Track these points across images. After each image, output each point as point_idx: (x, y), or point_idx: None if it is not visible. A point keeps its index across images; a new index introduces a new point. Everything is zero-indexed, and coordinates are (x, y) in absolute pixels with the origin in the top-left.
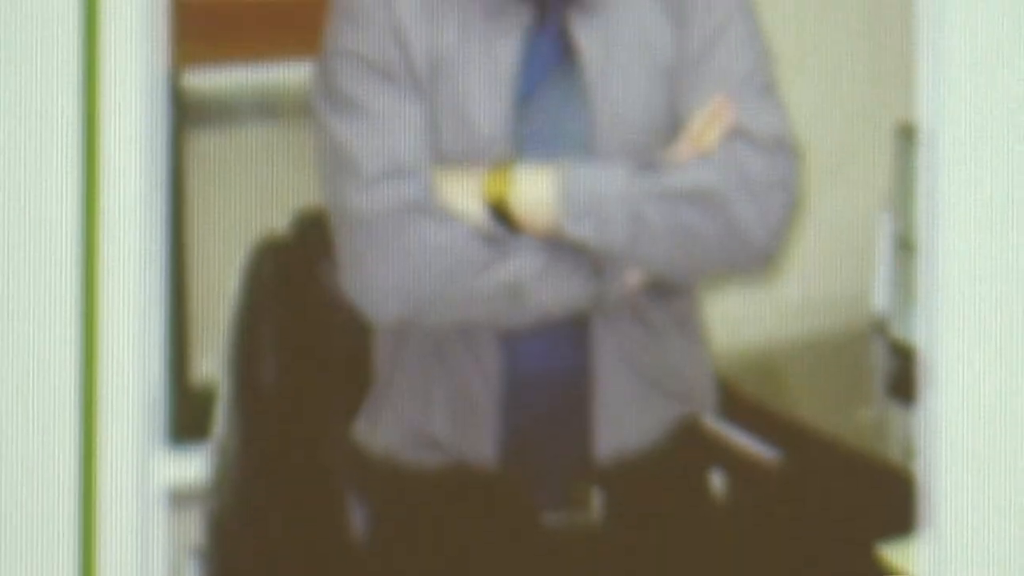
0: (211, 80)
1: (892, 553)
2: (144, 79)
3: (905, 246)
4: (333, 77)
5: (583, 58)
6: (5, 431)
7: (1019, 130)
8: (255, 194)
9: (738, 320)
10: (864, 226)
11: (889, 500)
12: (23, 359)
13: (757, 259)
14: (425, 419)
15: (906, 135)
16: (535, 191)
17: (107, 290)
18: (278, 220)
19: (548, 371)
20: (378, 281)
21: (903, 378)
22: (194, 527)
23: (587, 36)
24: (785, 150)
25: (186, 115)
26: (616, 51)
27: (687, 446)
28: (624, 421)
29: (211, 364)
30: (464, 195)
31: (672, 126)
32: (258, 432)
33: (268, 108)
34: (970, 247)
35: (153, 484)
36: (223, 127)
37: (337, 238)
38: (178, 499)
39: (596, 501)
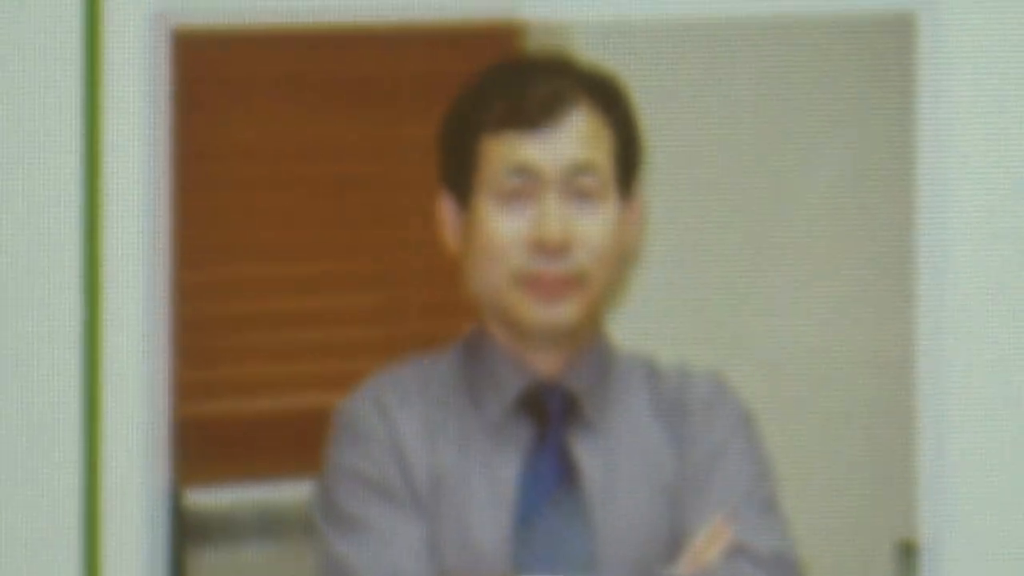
0: (213, 498)
1: None
2: (145, 497)
3: None
4: (333, 494)
5: (584, 478)
6: None
7: (1020, 548)
8: None
9: None
10: None
11: None
12: None
13: None
14: None
15: (907, 552)
16: None
17: None
18: None
19: None
20: None
21: None
22: None
23: (588, 455)
24: (786, 566)
25: (187, 533)
26: (618, 470)
27: None
28: None
29: None
30: None
31: (673, 540)
32: None
33: (269, 526)
34: None
35: None
36: (224, 545)
37: None
38: None
39: None
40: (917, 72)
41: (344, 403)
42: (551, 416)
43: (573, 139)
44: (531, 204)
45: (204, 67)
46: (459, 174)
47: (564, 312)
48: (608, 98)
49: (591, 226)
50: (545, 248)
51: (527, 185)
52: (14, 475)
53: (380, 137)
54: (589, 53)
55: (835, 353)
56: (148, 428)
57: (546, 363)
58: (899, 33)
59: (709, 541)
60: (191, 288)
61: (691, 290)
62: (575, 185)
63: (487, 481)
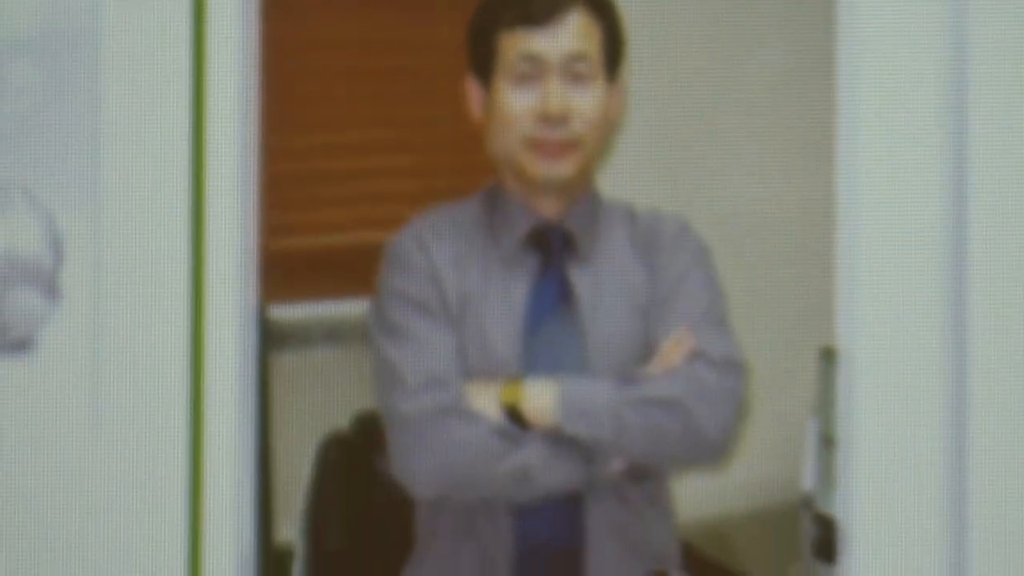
0: (290, 313)
1: None
2: (239, 313)
3: (827, 442)
4: (385, 310)
5: (578, 298)
6: None
7: (916, 353)
8: (323, 401)
9: (699, 497)
10: (796, 426)
11: None
12: (136, 534)
13: (712, 451)
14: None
15: (828, 357)
16: (540, 399)
17: (211, 472)
18: (342, 420)
19: (551, 539)
20: (420, 467)
21: (825, 543)
22: None
23: (581, 281)
24: (734, 368)
25: (271, 340)
26: (603, 292)
27: None
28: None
29: (290, 530)
30: (486, 401)
31: (646, 348)
32: None
33: (333, 334)
34: (877, 444)
35: None
36: (299, 349)
37: (388, 434)
38: None
39: None
40: None
41: (392, 240)
42: (553, 250)
43: (570, 34)
44: (538, 85)
45: None
46: (482, 62)
47: (563, 169)
48: (598, 3)
49: (584, 102)
50: (548, 119)
51: (535, 70)
52: (134, 299)
53: (421, 35)
54: None
55: (772, 202)
56: (242, 258)
57: (549, 209)
58: None
59: (674, 348)
60: (276, 150)
61: (661, 155)
62: (572, 70)
63: (503, 300)
